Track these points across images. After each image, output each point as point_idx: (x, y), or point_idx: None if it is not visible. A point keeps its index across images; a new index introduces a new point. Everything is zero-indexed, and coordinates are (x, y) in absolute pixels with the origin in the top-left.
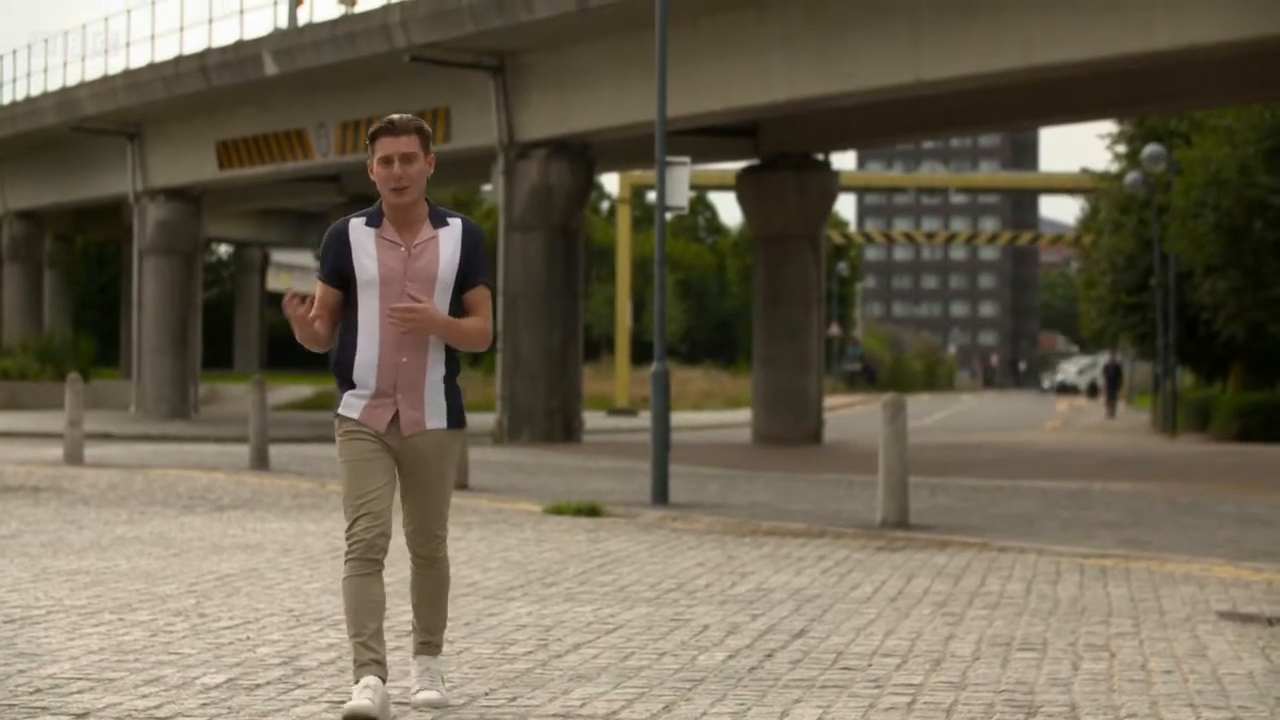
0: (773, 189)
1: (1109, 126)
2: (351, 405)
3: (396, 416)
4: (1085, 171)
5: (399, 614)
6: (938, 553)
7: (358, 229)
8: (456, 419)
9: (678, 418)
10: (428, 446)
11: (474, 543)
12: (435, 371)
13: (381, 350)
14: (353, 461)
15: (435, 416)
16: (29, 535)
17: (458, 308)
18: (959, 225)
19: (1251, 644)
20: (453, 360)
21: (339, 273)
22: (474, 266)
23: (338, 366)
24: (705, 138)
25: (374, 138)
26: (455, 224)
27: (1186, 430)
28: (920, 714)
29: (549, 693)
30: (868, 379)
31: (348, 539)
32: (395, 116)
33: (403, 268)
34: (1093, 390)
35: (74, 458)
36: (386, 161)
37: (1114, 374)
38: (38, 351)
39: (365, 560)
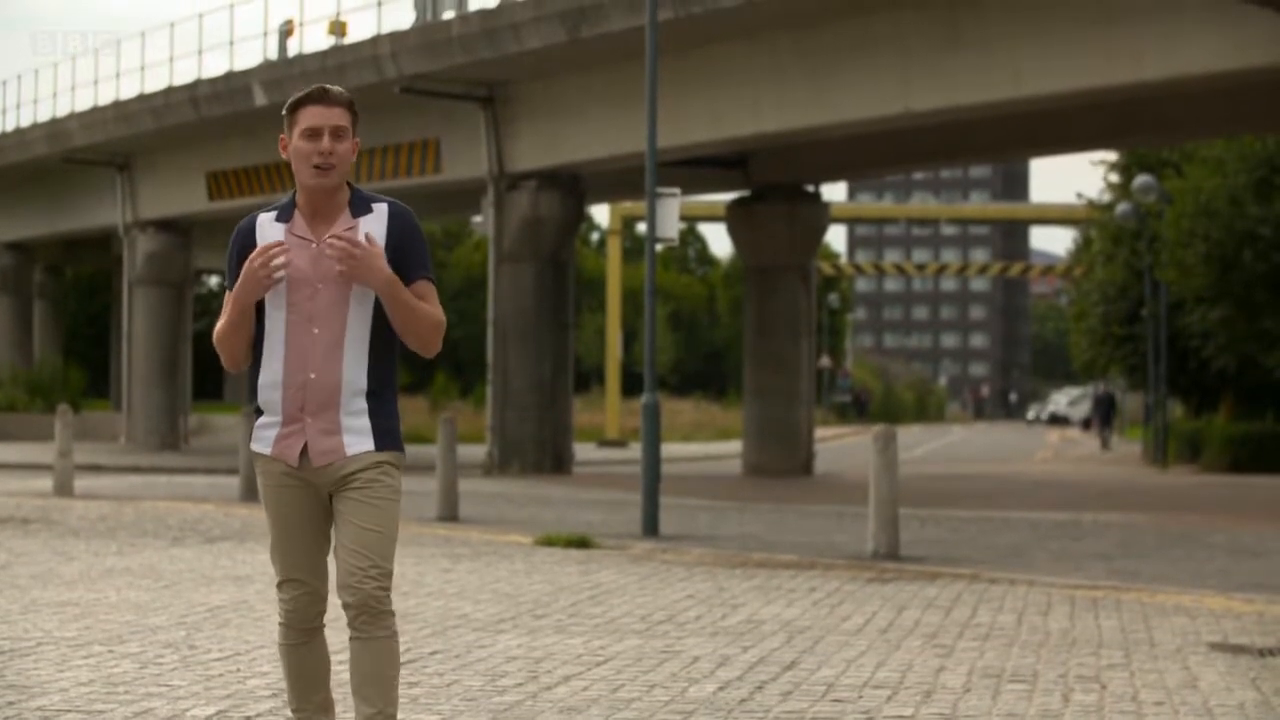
0: (763, 220)
1: (1102, 154)
2: (262, 438)
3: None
4: (1080, 197)
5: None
6: (928, 584)
7: (266, 225)
8: (386, 439)
9: (668, 449)
10: (353, 473)
11: (464, 574)
12: (353, 384)
13: (286, 366)
14: (275, 515)
15: (355, 440)
16: (18, 567)
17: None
18: (949, 256)
19: (1243, 675)
20: (381, 371)
21: None
22: (408, 258)
23: (249, 390)
24: (696, 169)
25: (296, 107)
26: (380, 209)
27: (1177, 461)
28: None
29: None
30: (858, 410)
31: (279, 604)
32: (326, 85)
33: (311, 266)
34: (1087, 422)
35: (64, 489)
36: (313, 134)
37: (1108, 405)
38: (27, 383)
39: (299, 630)
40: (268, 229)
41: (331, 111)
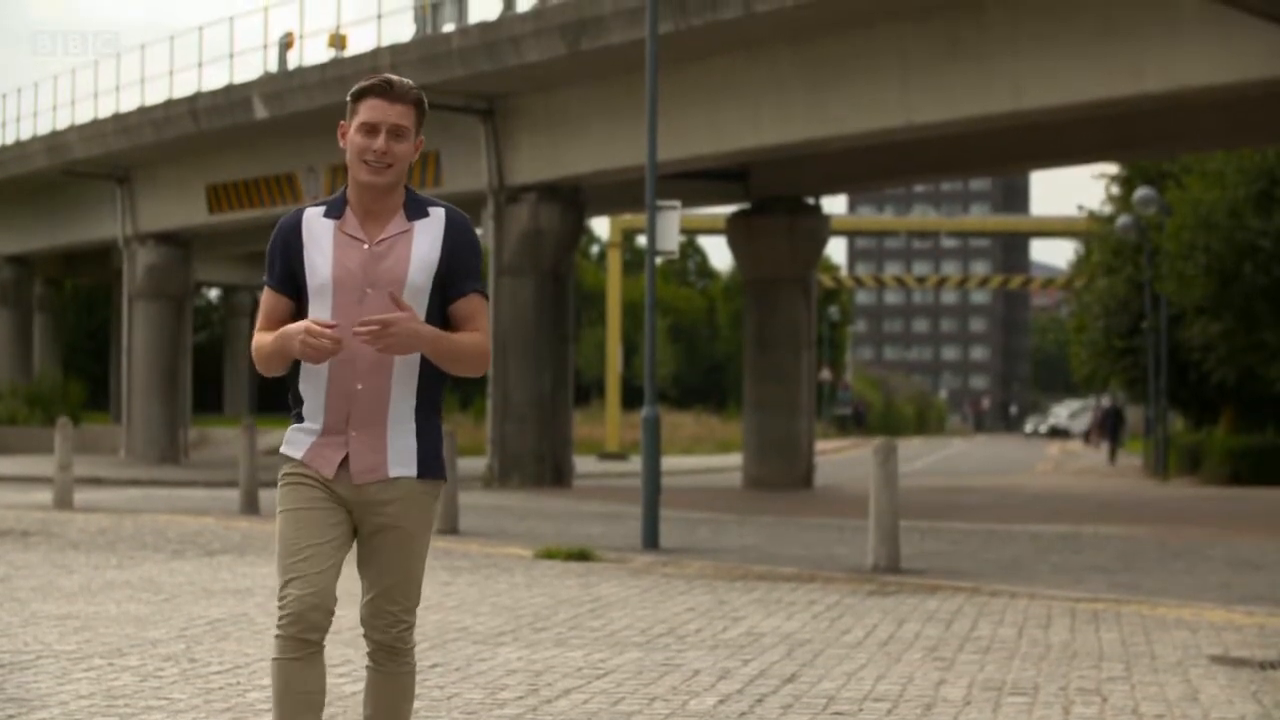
0: (763, 233)
1: (1103, 167)
2: (296, 442)
3: (347, 459)
4: (1081, 209)
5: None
6: (929, 597)
7: (314, 221)
8: (431, 467)
9: (668, 462)
10: (389, 501)
11: (464, 587)
12: (403, 402)
13: (331, 374)
14: (289, 511)
15: (400, 462)
16: (18, 580)
17: (439, 320)
18: (950, 269)
19: (1243, 688)
20: (430, 389)
21: (290, 276)
22: (462, 268)
23: (290, 395)
24: (696, 182)
25: (360, 96)
26: (437, 214)
27: (1178, 474)
28: None
29: None
30: (856, 422)
31: (278, 609)
32: (393, 77)
33: (362, 269)
34: (1086, 435)
35: (63, 502)
36: (370, 130)
37: (1115, 418)
38: (27, 396)
39: (297, 640)
40: (315, 225)
41: (393, 109)
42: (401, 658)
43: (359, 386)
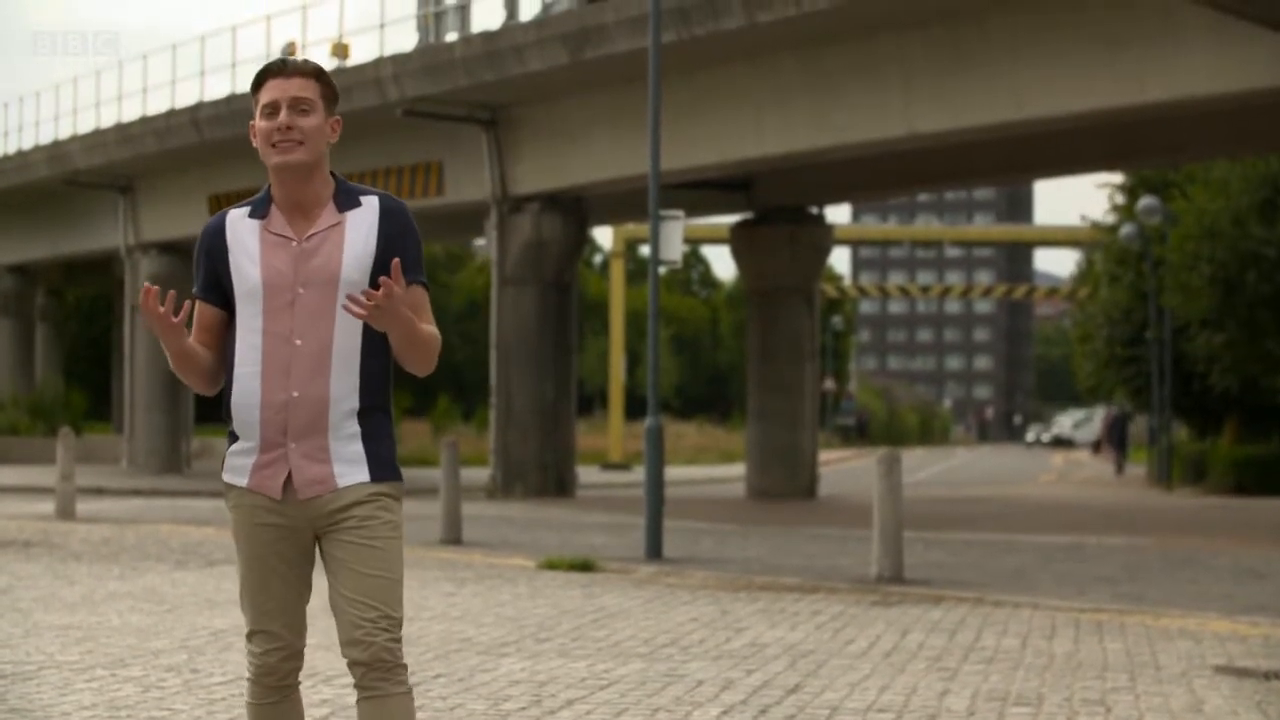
0: (766, 243)
1: (1106, 176)
2: (236, 468)
3: (290, 476)
4: (1085, 219)
5: None
6: (932, 607)
7: (238, 222)
8: (382, 467)
9: (672, 472)
10: (345, 508)
11: (468, 598)
12: (344, 405)
13: (264, 383)
14: (248, 557)
15: (347, 469)
16: (20, 590)
17: None
18: (953, 278)
19: (1248, 698)
20: (372, 388)
21: (216, 283)
22: (400, 260)
23: (222, 410)
24: (699, 191)
25: (257, 86)
26: (370, 202)
27: (1181, 484)
28: None
29: None
30: (859, 433)
31: (248, 655)
32: (289, 57)
33: (292, 268)
34: (1096, 445)
35: (66, 512)
36: (272, 110)
37: (1122, 427)
38: (29, 406)
39: (270, 688)
40: (239, 227)
41: (290, 83)
42: (394, 675)
43: (295, 394)
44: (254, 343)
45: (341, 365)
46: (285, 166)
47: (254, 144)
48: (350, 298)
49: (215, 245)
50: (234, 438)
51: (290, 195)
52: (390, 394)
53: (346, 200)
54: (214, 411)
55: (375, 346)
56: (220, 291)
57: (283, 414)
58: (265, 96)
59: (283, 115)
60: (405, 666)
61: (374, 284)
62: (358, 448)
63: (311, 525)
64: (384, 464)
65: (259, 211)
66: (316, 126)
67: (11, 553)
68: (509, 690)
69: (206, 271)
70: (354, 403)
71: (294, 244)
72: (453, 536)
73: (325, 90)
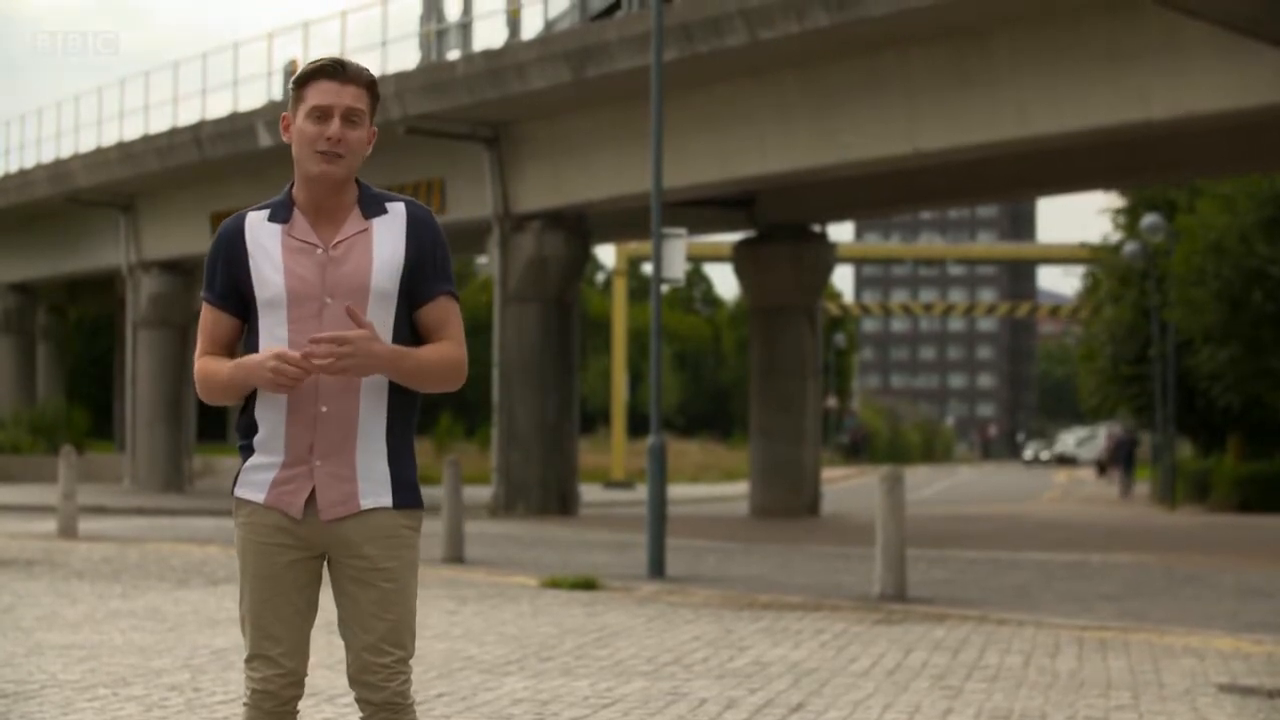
0: (769, 261)
1: (1110, 201)
2: (252, 483)
3: (314, 494)
4: (1084, 246)
5: None
6: (936, 625)
7: (258, 226)
8: (407, 494)
9: (674, 490)
10: (365, 536)
11: (470, 616)
12: (372, 424)
13: (292, 397)
14: (255, 577)
15: (373, 491)
16: (22, 609)
17: (407, 329)
18: (956, 296)
19: (1251, 717)
20: (402, 405)
21: (234, 291)
22: (429, 268)
23: (238, 424)
24: (702, 209)
25: (305, 81)
26: (397, 209)
27: (1185, 501)
28: None
29: None
30: (854, 451)
31: (247, 679)
32: (342, 58)
33: (319, 277)
34: (1102, 466)
35: (68, 531)
36: (323, 115)
37: (1129, 448)
38: (31, 424)
39: (268, 713)
40: (260, 231)
41: (346, 90)
42: (402, 715)
43: (324, 409)
44: None
45: (372, 380)
46: (325, 178)
47: (285, 139)
48: (312, 340)
49: (234, 249)
50: (248, 451)
51: (318, 203)
52: (416, 414)
53: (372, 206)
54: (216, 430)
55: None
56: (238, 298)
57: (311, 430)
58: (316, 98)
59: (335, 126)
60: (414, 704)
61: (403, 293)
62: (383, 467)
63: (325, 548)
64: (407, 488)
65: (280, 215)
66: (362, 140)
67: (13, 571)
68: (512, 709)
69: (224, 278)
70: (383, 421)
71: (319, 251)
72: (455, 555)
73: (373, 102)
